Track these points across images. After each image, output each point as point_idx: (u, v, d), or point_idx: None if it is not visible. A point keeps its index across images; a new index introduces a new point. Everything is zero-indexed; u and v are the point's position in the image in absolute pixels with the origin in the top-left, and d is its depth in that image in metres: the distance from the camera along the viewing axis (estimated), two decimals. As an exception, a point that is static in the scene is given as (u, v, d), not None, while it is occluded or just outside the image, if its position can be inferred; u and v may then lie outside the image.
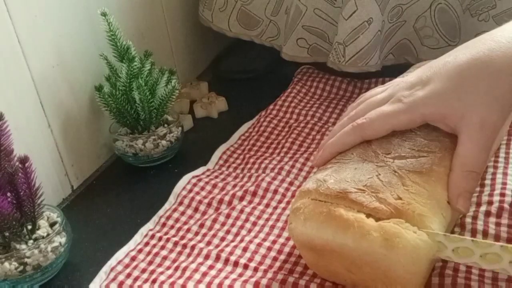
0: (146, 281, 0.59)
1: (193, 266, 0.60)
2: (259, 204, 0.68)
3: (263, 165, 0.74)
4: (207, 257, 0.61)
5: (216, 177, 0.74)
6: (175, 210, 0.69)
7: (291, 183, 0.71)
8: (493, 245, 0.45)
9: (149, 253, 0.63)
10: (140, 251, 0.64)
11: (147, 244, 0.65)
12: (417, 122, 0.53)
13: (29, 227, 0.62)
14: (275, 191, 0.69)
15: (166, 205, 0.70)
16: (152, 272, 0.61)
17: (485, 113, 0.49)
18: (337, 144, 0.56)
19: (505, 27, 0.52)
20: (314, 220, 0.51)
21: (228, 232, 0.65)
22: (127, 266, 0.62)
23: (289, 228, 0.54)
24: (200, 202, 0.69)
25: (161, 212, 0.69)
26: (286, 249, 0.61)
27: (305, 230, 0.52)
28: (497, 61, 0.49)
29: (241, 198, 0.69)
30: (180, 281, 0.58)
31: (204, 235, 0.65)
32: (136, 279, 0.60)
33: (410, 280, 0.48)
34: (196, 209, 0.69)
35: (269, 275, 0.57)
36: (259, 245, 0.62)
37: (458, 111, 0.50)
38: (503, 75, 0.49)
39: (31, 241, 0.61)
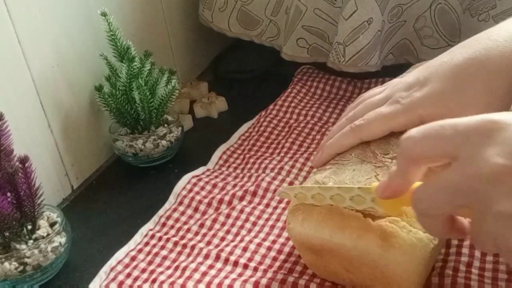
0: (146, 281, 0.59)
1: (193, 266, 0.60)
2: (259, 204, 0.68)
3: (263, 165, 0.74)
4: (207, 257, 0.61)
5: (216, 177, 0.74)
6: (175, 210, 0.69)
7: (291, 183, 0.71)
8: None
9: (149, 253, 0.63)
10: (140, 251, 0.64)
11: (147, 244, 0.65)
12: (415, 123, 0.53)
13: (29, 227, 0.62)
14: (275, 191, 0.69)
15: (166, 205, 0.70)
16: (152, 272, 0.61)
17: (483, 112, 0.49)
18: (335, 146, 0.56)
19: (502, 25, 0.52)
20: (312, 220, 0.51)
21: (228, 232, 0.65)
22: (127, 266, 0.62)
23: (287, 228, 0.54)
24: (200, 202, 0.69)
25: (161, 212, 0.69)
26: (286, 249, 0.61)
27: (303, 230, 0.52)
28: (494, 60, 0.49)
29: (241, 198, 0.69)
30: (180, 281, 0.58)
31: (204, 235, 0.65)
32: (136, 279, 0.60)
33: (408, 279, 0.48)
34: (196, 209, 0.69)
35: (269, 274, 0.57)
36: (259, 245, 0.62)
37: (455, 111, 0.50)
38: (500, 74, 0.49)
39: (31, 241, 0.61)
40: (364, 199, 0.47)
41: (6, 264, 0.59)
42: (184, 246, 0.63)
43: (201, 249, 0.62)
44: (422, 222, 0.41)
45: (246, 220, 0.66)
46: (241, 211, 0.67)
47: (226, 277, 0.58)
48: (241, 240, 0.63)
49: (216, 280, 0.57)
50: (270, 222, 0.65)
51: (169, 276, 0.59)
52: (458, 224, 0.41)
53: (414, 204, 0.40)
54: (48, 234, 0.62)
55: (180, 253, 0.63)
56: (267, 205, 0.68)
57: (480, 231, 0.37)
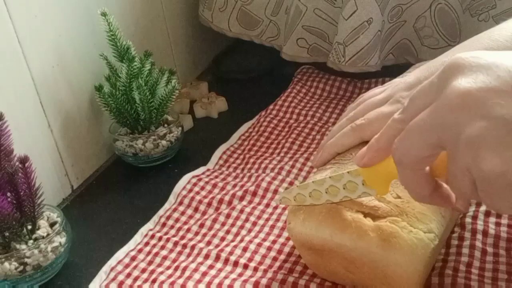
0: (146, 281, 0.59)
1: (193, 266, 0.60)
2: (259, 204, 0.68)
3: (263, 165, 0.74)
4: (207, 257, 0.61)
5: (216, 177, 0.74)
6: (175, 210, 0.69)
7: (291, 183, 0.71)
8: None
9: (149, 253, 0.63)
10: (140, 251, 0.64)
11: (147, 244, 0.65)
12: None
13: (29, 227, 0.62)
14: (275, 191, 0.69)
15: (166, 205, 0.70)
16: (152, 272, 0.61)
17: None
18: (336, 145, 0.56)
19: (502, 26, 0.52)
20: (313, 220, 0.51)
21: (228, 232, 0.65)
22: (127, 266, 0.62)
23: (288, 228, 0.54)
24: (200, 202, 0.69)
25: (161, 212, 0.69)
26: (286, 249, 0.61)
27: (304, 230, 0.52)
28: None
29: (241, 198, 0.69)
30: (180, 281, 0.58)
31: (204, 235, 0.65)
32: (136, 279, 0.60)
33: (408, 279, 0.48)
34: (196, 209, 0.69)
35: (269, 275, 0.57)
36: (259, 245, 0.62)
37: None
38: None
39: (31, 241, 0.61)
40: (356, 185, 0.47)
41: (6, 264, 0.59)
42: (184, 246, 0.63)
43: (201, 249, 0.62)
44: (404, 177, 0.40)
45: (246, 220, 0.66)
46: (241, 211, 0.67)
47: (226, 277, 0.58)
48: (241, 240, 0.63)
49: (216, 280, 0.57)
50: (270, 222, 0.65)
51: (169, 276, 0.59)
52: (443, 190, 0.41)
53: (393, 153, 0.39)
54: (48, 234, 0.62)
55: (180, 253, 0.63)
56: (267, 205, 0.68)
57: (456, 169, 0.36)
